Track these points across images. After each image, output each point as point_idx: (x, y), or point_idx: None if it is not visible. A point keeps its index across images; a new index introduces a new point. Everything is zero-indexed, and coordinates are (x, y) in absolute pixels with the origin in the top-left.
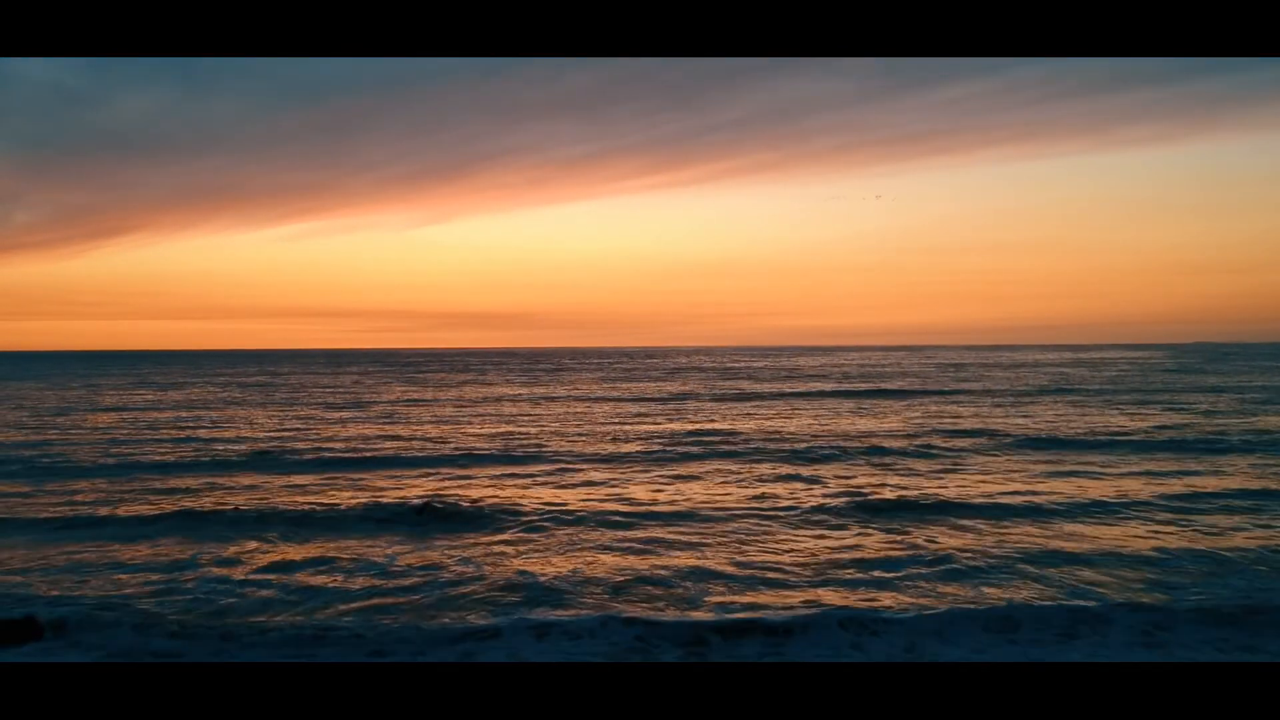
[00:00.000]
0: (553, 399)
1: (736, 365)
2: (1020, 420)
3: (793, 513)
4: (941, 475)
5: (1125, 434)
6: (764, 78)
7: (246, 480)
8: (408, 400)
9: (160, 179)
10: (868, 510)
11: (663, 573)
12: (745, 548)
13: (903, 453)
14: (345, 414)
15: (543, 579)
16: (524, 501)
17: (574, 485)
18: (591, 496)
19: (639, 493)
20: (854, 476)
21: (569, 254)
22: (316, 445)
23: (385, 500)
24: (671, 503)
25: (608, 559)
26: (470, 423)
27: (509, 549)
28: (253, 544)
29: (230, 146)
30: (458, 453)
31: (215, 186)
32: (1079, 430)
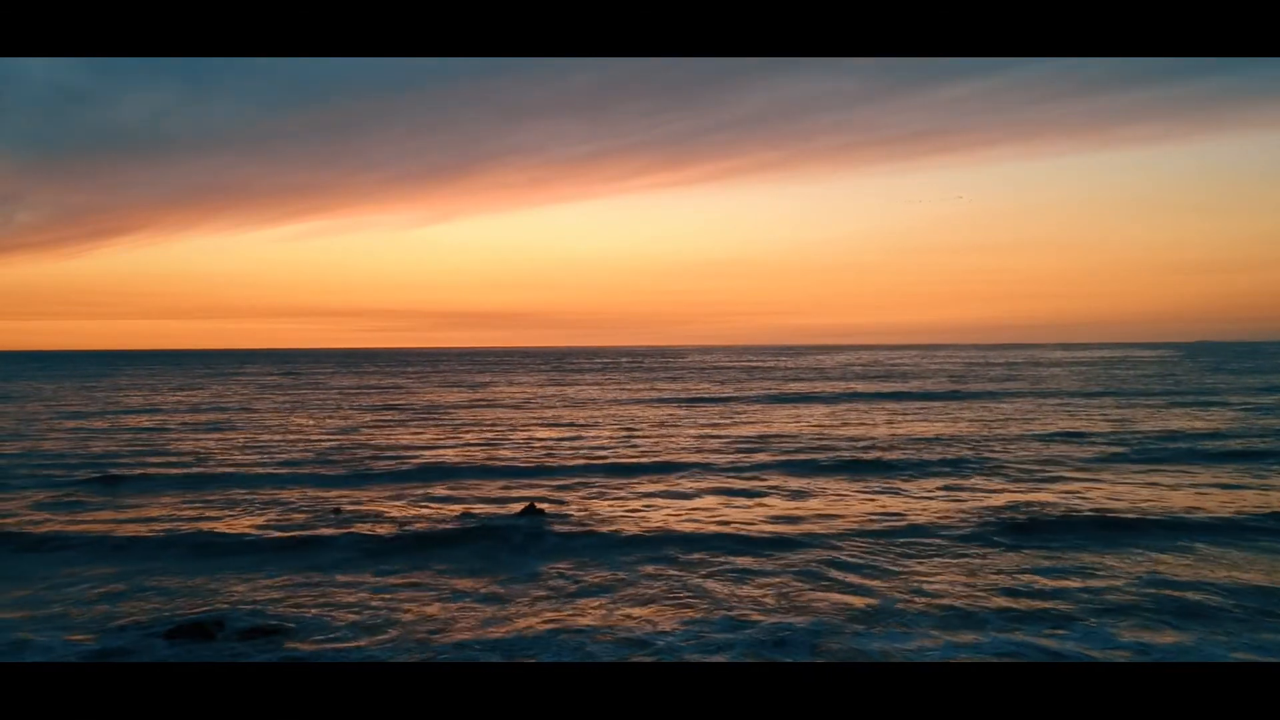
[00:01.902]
0: (601, 401)
1: (760, 365)
2: (1089, 421)
3: (931, 533)
4: (1056, 483)
5: (1205, 437)
6: (766, 77)
7: (355, 494)
8: (451, 404)
9: (162, 178)
10: (1011, 531)
11: (848, 613)
12: (912, 579)
13: (996, 460)
14: (389, 416)
15: (727, 614)
16: (650, 515)
17: (674, 496)
18: (699, 508)
19: (751, 508)
20: (965, 487)
21: (572, 253)
22: (397, 455)
23: (503, 513)
24: (794, 520)
25: (763, 595)
26: (533, 427)
27: (677, 573)
28: (410, 565)
29: (232, 146)
30: (538, 463)
31: (217, 186)
32: (1155, 431)
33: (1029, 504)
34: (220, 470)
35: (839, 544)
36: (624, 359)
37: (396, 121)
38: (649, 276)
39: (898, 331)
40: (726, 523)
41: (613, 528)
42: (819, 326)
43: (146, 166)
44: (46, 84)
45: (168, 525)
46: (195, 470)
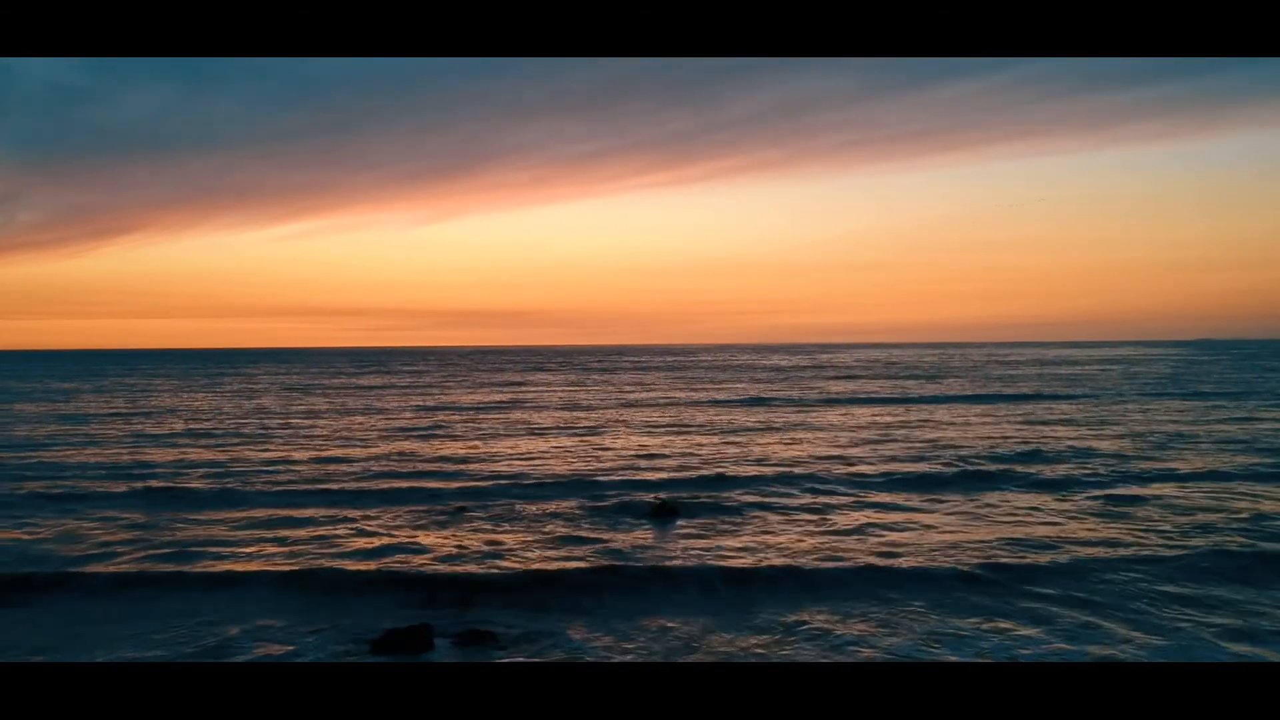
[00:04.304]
0: (654, 403)
1: (784, 365)
2: (1182, 424)
3: (1168, 563)
4: (1232, 494)
5: None
6: (767, 75)
7: (478, 504)
8: (498, 404)
9: (163, 178)
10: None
11: None
12: (1182, 626)
13: (1144, 469)
14: (444, 418)
15: None
16: (802, 537)
17: (811, 511)
18: (850, 527)
19: (911, 528)
20: (1139, 501)
21: (573, 252)
22: (486, 462)
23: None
24: (975, 547)
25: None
26: (610, 432)
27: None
28: (587, 587)
29: (233, 146)
30: (655, 474)
31: (218, 185)
32: (1256, 434)
33: (1243, 525)
34: (342, 487)
35: (1063, 585)
36: (643, 356)
37: (397, 121)
38: (651, 275)
39: (901, 330)
40: (893, 546)
41: (772, 556)
42: (823, 325)
43: (147, 166)
44: (46, 84)
45: (305, 549)
46: (288, 479)
